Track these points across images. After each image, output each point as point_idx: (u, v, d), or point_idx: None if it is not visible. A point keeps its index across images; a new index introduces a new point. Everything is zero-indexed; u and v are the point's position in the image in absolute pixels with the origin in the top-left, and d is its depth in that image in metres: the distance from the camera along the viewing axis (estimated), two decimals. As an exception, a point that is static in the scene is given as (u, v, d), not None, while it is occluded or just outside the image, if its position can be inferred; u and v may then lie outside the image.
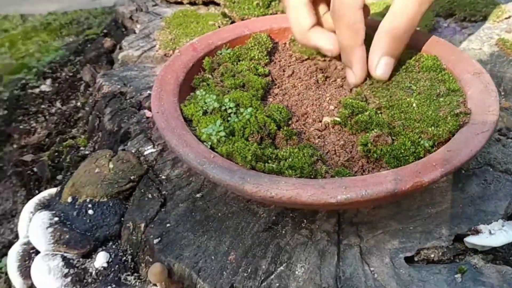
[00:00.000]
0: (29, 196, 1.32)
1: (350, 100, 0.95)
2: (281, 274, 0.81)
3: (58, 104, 1.65)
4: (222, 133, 0.87)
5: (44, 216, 0.98)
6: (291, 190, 0.75)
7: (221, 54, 1.16)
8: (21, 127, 1.60)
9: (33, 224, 0.97)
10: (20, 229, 1.07)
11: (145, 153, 1.08)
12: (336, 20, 0.99)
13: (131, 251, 0.93)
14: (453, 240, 0.86)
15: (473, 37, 1.56)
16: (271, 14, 1.58)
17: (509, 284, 0.78)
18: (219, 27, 1.52)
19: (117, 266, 0.90)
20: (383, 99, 0.96)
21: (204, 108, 0.95)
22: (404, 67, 1.07)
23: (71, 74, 1.80)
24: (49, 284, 0.87)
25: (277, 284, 0.79)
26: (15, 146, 1.54)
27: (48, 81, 1.79)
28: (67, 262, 0.90)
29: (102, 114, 1.26)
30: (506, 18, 1.64)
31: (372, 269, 0.81)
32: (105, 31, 1.87)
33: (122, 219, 0.97)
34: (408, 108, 0.93)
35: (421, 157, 0.83)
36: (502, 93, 1.31)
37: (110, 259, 0.91)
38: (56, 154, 1.34)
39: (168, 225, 0.90)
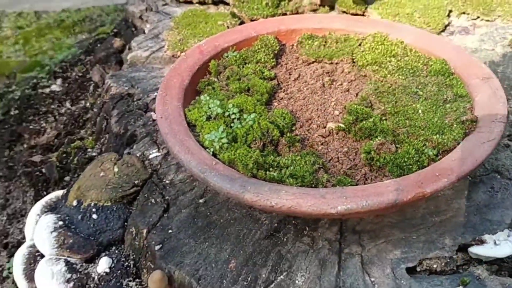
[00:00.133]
0: (37, 197, 1.33)
1: (355, 106, 0.94)
2: (281, 283, 0.80)
3: (67, 104, 1.67)
4: (224, 140, 0.87)
5: (49, 220, 0.99)
6: (291, 199, 0.74)
7: (227, 56, 1.16)
8: (31, 127, 1.61)
9: (38, 228, 0.98)
10: (27, 231, 1.08)
11: (150, 156, 1.08)
12: None
13: (134, 256, 0.93)
14: (457, 250, 0.85)
15: (486, 37, 1.53)
16: (280, 14, 1.57)
17: (513, 298, 0.76)
18: (228, 27, 1.51)
19: (119, 271, 0.90)
20: (388, 105, 0.95)
21: (208, 113, 0.95)
22: (412, 71, 1.06)
23: (80, 74, 1.81)
24: (52, 289, 0.88)
25: (277, 294, 0.79)
26: (25, 146, 1.55)
27: (59, 81, 1.81)
28: (70, 267, 0.91)
29: (109, 116, 1.27)
30: (521, 17, 1.60)
31: (372, 279, 0.80)
32: (115, 30, 1.87)
33: (126, 223, 0.97)
34: (414, 114, 0.92)
35: (425, 166, 0.82)
36: (514, 96, 1.28)
37: (113, 265, 0.91)
38: (64, 155, 1.36)
39: (170, 231, 0.90)
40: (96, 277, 0.90)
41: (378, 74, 1.06)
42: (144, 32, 1.65)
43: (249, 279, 0.81)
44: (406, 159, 0.82)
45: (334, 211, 0.73)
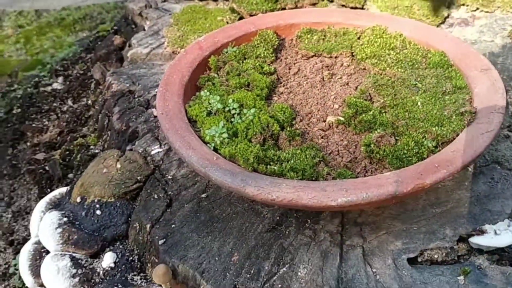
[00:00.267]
0: (41, 194, 1.35)
1: (354, 99, 0.95)
2: (283, 275, 0.81)
3: (69, 102, 1.68)
4: (225, 135, 0.88)
5: (54, 217, 1.00)
6: (292, 192, 0.75)
7: (227, 52, 1.17)
8: (34, 125, 1.63)
9: (43, 225, 0.99)
10: (32, 228, 1.09)
11: (152, 152, 1.09)
12: None
13: (138, 251, 0.94)
14: (458, 240, 0.86)
15: (486, 28, 1.53)
16: (279, 8, 1.57)
17: (513, 286, 0.77)
18: (227, 22, 1.52)
19: (124, 266, 0.92)
20: (387, 98, 0.96)
21: (208, 109, 0.96)
22: (411, 63, 1.06)
23: (82, 71, 1.82)
24: (58, 284, 0.89)
25: (280, 286, 0.80)
26: (28, 144, 1.56)
27: (60, 79, 1.82)
28: (75, 263, 0.92)
29: (111, 113, 1.28)
30: (521, 8, 1.60)
31: (374, 270, 0.81)
32: (115, 27, 1.88)
33: (129, 219, 0.99)
34: (413, 107, 0.92)
35: (425, 158, 0.82)
36: (514, 87, 1.29)
37: (117, 259, 0.93)
38: (67, 152, 1.37)
39: (173, 226, 0.91)
40: (101, 272, 0.92)
41: (377, 67, 1.06)
42: (144, 29, 1.66)
43: (252, 271, 0.82)
44: (405, 151, 0.83)
45: (334, 204, 0.74)
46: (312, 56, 1.16)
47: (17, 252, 1.32)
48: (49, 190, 1.35)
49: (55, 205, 1.10)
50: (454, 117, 0.88)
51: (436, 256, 0.84)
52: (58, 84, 1.81)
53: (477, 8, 1.62)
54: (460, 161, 0.78)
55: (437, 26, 1.53)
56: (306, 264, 0.83)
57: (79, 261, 0.93)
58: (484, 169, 0.99)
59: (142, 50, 1.47)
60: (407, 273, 0.80)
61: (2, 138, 1.64)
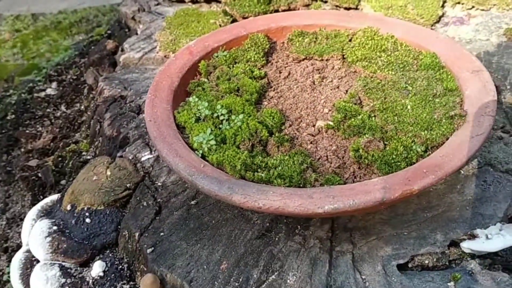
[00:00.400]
0: (34, 201, 1.34)
1: (344, 104, 0.94)
2: (272, 283, 0.80)
3: (63, 108, 1.67)
4: (213, 142, 0.87)
5: (44, 225, 0.99)
6: (279, 200, 0.74)
7: (217, 56, 1.16)
8: (27, 131, 1.62)
9: (33, 234, 0.99)
10: (23, 236, 1.09)
11: (142, 159, 1.08)
12: None
13: (127, 259, 0.94)
14: (449, 244, 0.85)
15: (481, 27, 1.52)
16: (272, 10, 1.57)
17: (504, 292, 0.76)
18: (220, 25, 1.51)
19: (113, 275, 0.91)
20: (377, 101, 0.95)
21: (197, 115, 0.95)
22: (402, 65, 1.05)
23: (75, 76, 1.82)
24: (46, 294, 0.89)
25: (268, 294, 0.79)
26: (22, 150, 1.56)
27: (54, 84, 1.81)
28: (64, 272, 0.92)
29: (102, 119, 1.27)
30: (516, 6, 1.59)
31: (363, 277, 0.80)
32: (109, 31, 1.87)
33: (119, 227, 0.98)
34: (402, 110, 0.91)
35: (414, 163, 0.81)
36: (508, 87, 1.27)
37: (106, 268, 0.92)
38: (60, 159, 1.36)
39: (162, 234, 0.91)
40: (90, 281, 0.91)
41: (368, 69, 1.05)
42: (136, 33, 1.65)
43: (240, 280, 0.81)
44: (394, 156, 0.82)
45: (321, 211, 0.73)
46: (303, 59, 1.15)
47: (11, 259, 1.32)
48: (41, 197, 1.34)
49: (46, 212, 1.10)
50: (444, 120, 0.87)
51: (427, 262, 0.83)
52: (51, 90, 1.81)
53: (473, 7, 1.61)
54: (449, 166, 0.77)
55: (432, 25, 1.52)
56: (295, 271, 0.82)
57: (69, 270, 0.93)
58: (477, 172, 0.98)
59: (134, 55, 1.46)
60: (397, 280, 0.79)
61: (-3, 144, 1.65)
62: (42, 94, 1.79)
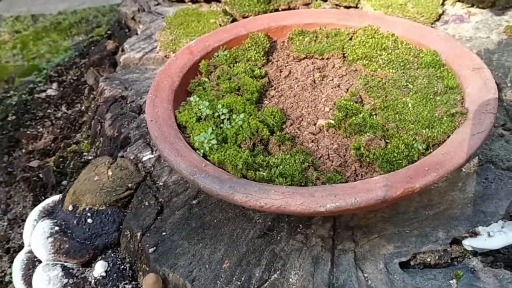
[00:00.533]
0: (36, 202, 1.34)
1: (345, 102, 0.94)
2: (274, 282, 0.80)
3: (63, 108, 1.67)
4: (214, 141, 0.87)
5: (45, 226, 0.99)
6: (281, 199, 0.74)
7: (218, 56, 1.16)
8: (28, 132, 1.62)
9: (35, 234, 0.99)
10: (25, 237, 1.09)
11: (144, 159, 1.08)
12: None
13: (129, 259, 0.94)
14: (451, 242, 0.85)
15: (481, 24, 1.52)
16: (272, 9, 1.57)
17: (506, 289, 0.76)
18: (220, 25, 1.51)
19: (115, 275, 0.91)
20: (378, 100, 0.95)
21: (198, 115, 0.95)
22: (403, 63, 1.05)
23: (75, 77, 1.82)
24: (49, 295, 0.89)
25: (270, 293, 0.79)
26: (23, 151, 1.56)
27: (55, 85, 1.81)
28: (66, 272, 0.92)
29: (103, 119, 1.27)
30: (517, 4, 1.59)
31: (366, 275, 0.80)
32: (109, 32, 1.87)
33: (121, 227, 0.98)
34: (403, 108, 0.91)
35: (415, 161, 0.81)
36: (509, 84, 1.27)
37: (109, 268, 0.92)
38: (61, 159, 1.36)
39: (164, 233, 0.91)
40: (92, 281, 0.91)
41: (368, 68, 1.05)
42: (137, 33, 1.65)
43: (242, 279, 0.81)
44: (395, 154, 0.82)
45: (323, 209, 0.73)
46: (304, 58, 1.16)
47: (13, 260, 1.32)
48: (43, 197, 1.34)
49: (48, 213, 1.10)
50: (445, 118, 0.87)
51: (429, 259, 0.83)
52: (52, 90, 1.81)
53: (473, 4, 1.60)
54: (450, 164, 0.77)
55: (432, 23, 1.52)
56: (297, 270, 0.82)
57: (71, 270, 0.93)
58: (478, 169, 0.98)
59: (134, 55, 1.46)
60: (399, 278, 0.79)
61: (-2, 145, 1.65)
62: (43, 95, 1.80)
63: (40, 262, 0.98)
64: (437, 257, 0.83)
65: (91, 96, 1.60)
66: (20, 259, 1.03)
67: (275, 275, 0.82)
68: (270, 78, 1.11)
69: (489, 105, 0.88)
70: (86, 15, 2.79)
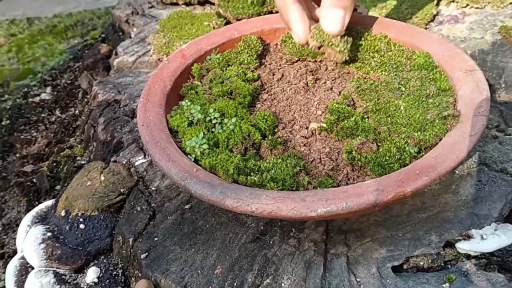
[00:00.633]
0: (30, 207, 1.34)
1: (337, 105, 0.93)
2: (267, 287, 0.80)
3: (57, 113, 1.67)
4: (205, 146, 0.87)
5: (38, 232, 0.99)
6: (272, 204, 0.74)
7: (210, 59, 1.15)
8: (22, 136, 1.62)
9: (27, 240, 0.99)
10: (18, 242, 1.09)
11: (136, 163, 1.08)
12: None
13: (122, 265, 0.93)
14: (444, 245, 0.85)
15: (475, 25, 1.52)
16: (266, 12, 1.56)
17: (499, 293, 0.76)
18: (213, 27, 1.51)
19: (107, 281, 0.91)
20: (370, 103, 0.94)
21: (189, 119, 0.95)
22: (395, 66, 1.05)
23: (69, 81, 1.82)
24: (41, 302, 0.88)
25: (262, 298, 0.79)
26: (17, 155, 1.56)
27: (49, 89, 1.81)
28: (59, 278, 0.91)
29: (96, 123, 1.27)
30: (510, 3, 1.58)
31: (358, 279, 0.79)
32: (103, 35, 1.87)
33: (114, 232, 0.98)
34: (396, 111, 0.91)
35: (407, 164, 0.81)
36: (503, 85, 1.27)
37: (101, 274, 0.92)
38: (55, 164, 1.36)
39: (156, 239, 0.90)
40: (85, 287, 0.91)
41: (361, 71, 1.05)
42: (130, 37, 1.65)
43: (235, 284, 0.81)
44: (387, 158, 0.81)
45: (314, 214, 0.72)
46: (297, 61, 1.15)
47: (7, 265, 1.31)
48: (37, 202, 1.34)
49: (41, 218, 1.09)
50: (437, 121, 0.86)
51: (422, 263, 0.83)
52: (46, 94, 1.81)
53: (467, 5, 1.60)
54: (442, 167, 0.76)
55: (426, 24, 1.52)
56: (290, 274, 0.82)
57: (63, 276, 0.92)
58: (472, 171, 0.98)
59: (128, 58, 1.46)
60: (392, 282, 0.78)
61: (-8, 150, 1.64)
62: (37, 99, 1.79)
63: (33, 268, 0.97)
64: (430, 261, 0.83)
65: (85, 100, 1.60)
66: (13, 265, 1.02)
67: (268, 280, 0.81)
68: (263, 81, 1.10)
69: (482, 107, 0.87)
70: (81, 17, 2.79)
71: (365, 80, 1.02)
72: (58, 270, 0.93)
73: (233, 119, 0.92)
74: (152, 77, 1.06)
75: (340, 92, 1.03)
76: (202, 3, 1.73)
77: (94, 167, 1.08)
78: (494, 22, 1.51)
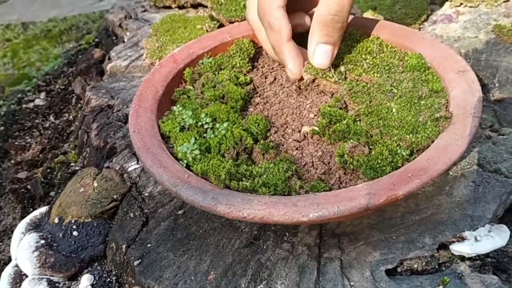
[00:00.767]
0: (24, 214, 1.33)
1: (329, 108, 0.93)
2: (260, 292, 0.80)
3: (51, 118, 1.67)
4: (197, 151, 0.86)
5: (31, 239, 0.99)
6: (263, 209, 0.74)
7: (202, 63, 1.15)
8: (16, 143, 1.61)
9: (21, 248, 0.98)
10: (12, 250, 1.08)
11: (129, 169, 1.08)
12: (260, 21, 1.01)
13: (116, 272, 0.93)
14: (438, 247, 0.84)
15: (469, 24, 1.51)
16: (259, 14, 1.55)
17: (493, 295, 0.76)
18: (207, 30, 1.50)
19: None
20: (362, 105, 0.94)
21: (181, 124, 0.94)
22: (387, 67, 1.04)
23: (63, 86, 1.81)
24: (34, 310, 0.88)
25: (256, 304, 0.78)
26: (12, 162, 1.55)
27: (43, 95, 1.81)
28: (52, 286, 0.91)
29: (89, 129, 1.26)
30: (504, 1, 1.58)
31: (352, 283, 0.79)
32: (96, 40, 1.86)
33: (107, 239, 0.97)
34: (388, 114, 0.90)
35: (399, 167, 0.80)
36: (497, 84, 1.27)
37: (95, 281, 0.91)
38: (49, 170, 1.35)
39: (149, 245, 0.90)
40: (78, 296, 0.90)
41: (353, 73, 1.04)
42: (123, 41, 1.64)
43: (228, 290, 0.81)
44: (379, 161, 0.81)
45: (306, 219, 0.72)
46: (289, 64, 1.14)
47: (1, 273, 1.31)
48: (31, 209, 1.34)
49: (35, 226, 1.09)
50: (429, 123, 0.86)
51: (416, 266, 0.83)
52: (40, 100, 1.80)
53: (461, 4, 1.60)
54: (434, 170, 0.76)
55: (420, 24, 1.52)
56: (283, 279, 0.81)
57: (57, 284, 0.92)
58: (466, 172, 0.98)
59: (121, 63, 1.45)
60: (385, 285, 0.78)
61: (-14, 157, 1.64)
62: (31, 105, 1.79)
63: (27, 276, 0.97)
64: (424, 263, 0.83)
65: (79, 105, 1.60)
66: (7, 273, 1.02)
67: (261, 286, 0.81)
68: (255, 84, 1.10)
69: (474, 108, 0.87)
70: (76, 21, 2.78)
71: (358, 82, 1.02)
72: (51, 278, 0.93)
73: (225, 124, 0.91)
74: (143, 82, 1.06)
75: (332, 95, 1.02)
76: (195, 6, 1.72)
77: (87, 173, 1.08)
78: (488, 21, 1.51)
